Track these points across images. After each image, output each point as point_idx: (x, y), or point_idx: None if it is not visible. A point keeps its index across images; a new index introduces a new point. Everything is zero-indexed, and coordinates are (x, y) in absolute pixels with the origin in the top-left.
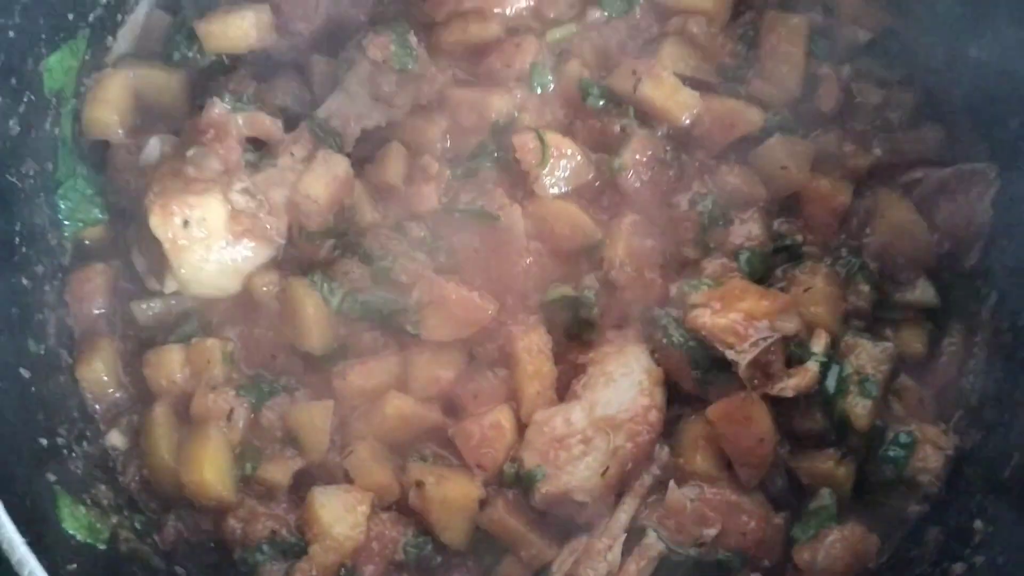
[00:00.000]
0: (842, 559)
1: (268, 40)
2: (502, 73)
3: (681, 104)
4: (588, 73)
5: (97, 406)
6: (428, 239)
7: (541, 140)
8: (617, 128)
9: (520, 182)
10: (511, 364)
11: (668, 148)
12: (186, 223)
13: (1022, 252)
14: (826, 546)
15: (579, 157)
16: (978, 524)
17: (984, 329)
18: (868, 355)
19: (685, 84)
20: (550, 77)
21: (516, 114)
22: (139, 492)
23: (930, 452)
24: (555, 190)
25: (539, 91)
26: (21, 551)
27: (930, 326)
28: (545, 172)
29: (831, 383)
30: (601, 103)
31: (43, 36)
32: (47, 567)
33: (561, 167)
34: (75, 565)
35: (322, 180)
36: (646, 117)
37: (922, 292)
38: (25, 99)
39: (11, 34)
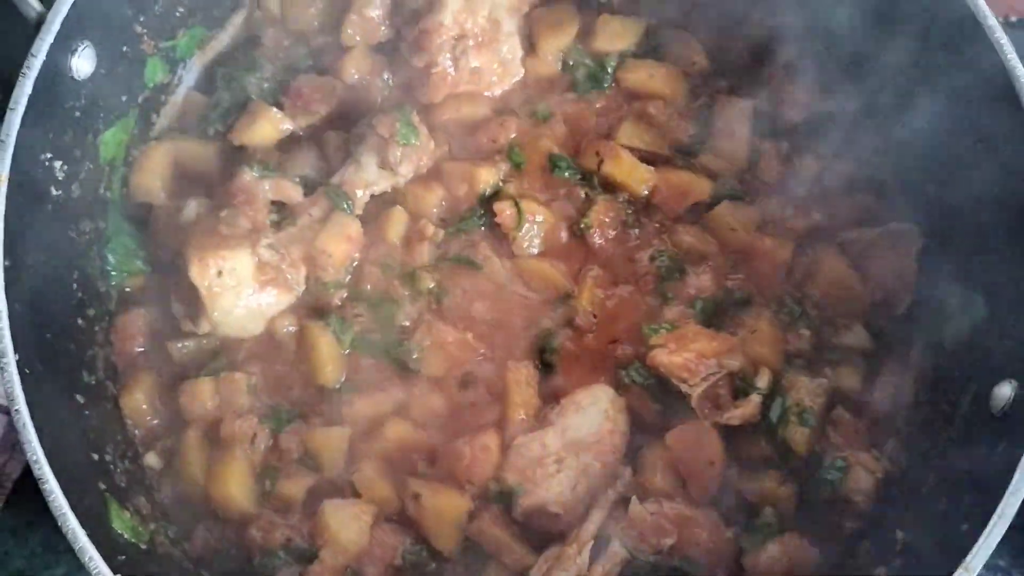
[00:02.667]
0: (780, 562)
1: (286, 132)
2: (488, 148)
3: (639, 179)
4: (559, 148)
5: (137, 431)
6: (427, 288)
7: (517, 207)
8: (582, 195)
9: (503, 241)
10: (502, 394)
11: (630, 211)
12: (220, 273)
13: (941, 303)
14: (768, 551)
15: (551, 220)
16: (899, 534)
17: (913, 369)
18: (806, 389)
19: (643, 157)
20: (523, 157)
21: (501, 184)
22: (172, 506)
23: (862, 475)
24: (531, 250)
25: (517, 167)
26: (83, 540)
27: (864, 366)
28: (521, 234)
29: (775, 414)
30: (568, 175)
31: (101, 115)
32: (102, 556)
33: (535, 230)
34: (124, 557)
35: (336, 238)
36: (609, 187)
37: (857, 336)
38: (85, 167)
39: (77, 114)
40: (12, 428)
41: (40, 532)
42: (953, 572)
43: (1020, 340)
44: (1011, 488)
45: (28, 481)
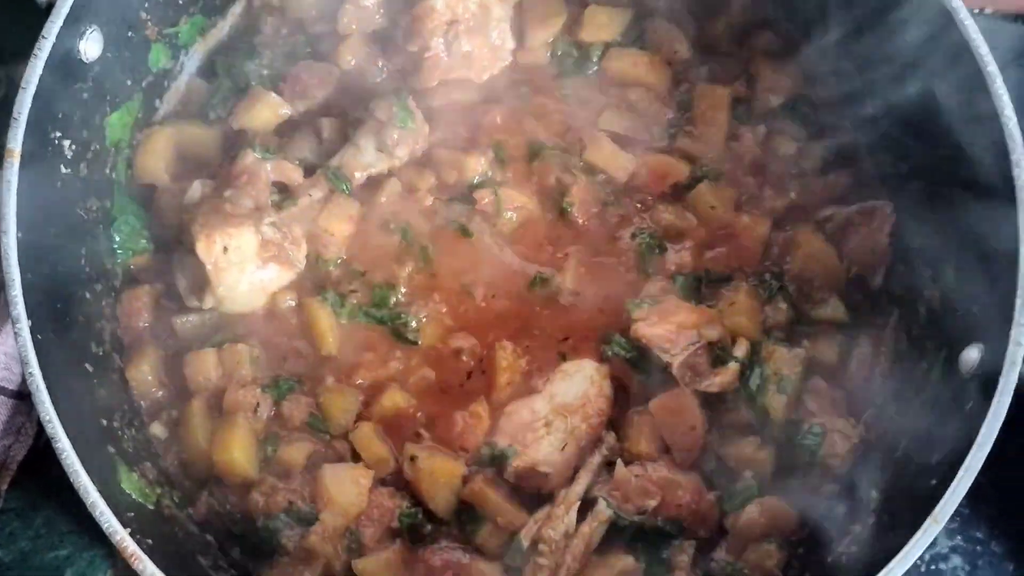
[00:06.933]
0: (759, 523)
1: (284, 116)
2: (477, 134)
3: (620, 167)
4: (544, 134)
5: (142, 402)
6: (425, 255)
7: (496, 195)
8: (552, 179)
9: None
10: (490, 363)
11: (609, 191)
12: (225, 249)
13: (913, 275)
14: (747, 512)
15: (530, 206)
16: (873, 494)
17: (888, 341)
18: (783, 359)
19: (621, 140)
20: (507, 145)
21: (489, 172)
22: (176, 473)
23: (838, 440)
24: (513, 232)
25: (502, 154)
26: (94, 495)
27: (841, 338)
28: (502, 221)
29: (754, 382)
30: (550, 161)
31: (107, 98)
32: (112, 511)
33: (514, 216)
34: (132, 514)
35: (336, 218)
36: (590, 170)
37: (833, 309)
38: (92, 148)
39: (85, 95)
40: (17, 412)
41: (44, 514)
42: (922, 523)
43: (985, 306)
44: (978, 441)
45: (33, 464)
